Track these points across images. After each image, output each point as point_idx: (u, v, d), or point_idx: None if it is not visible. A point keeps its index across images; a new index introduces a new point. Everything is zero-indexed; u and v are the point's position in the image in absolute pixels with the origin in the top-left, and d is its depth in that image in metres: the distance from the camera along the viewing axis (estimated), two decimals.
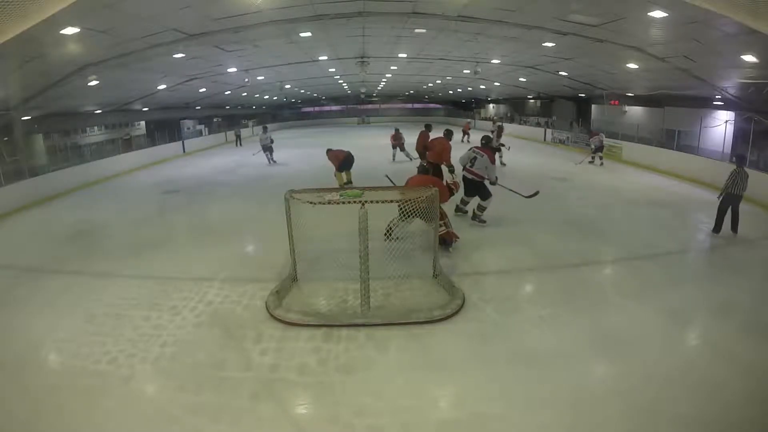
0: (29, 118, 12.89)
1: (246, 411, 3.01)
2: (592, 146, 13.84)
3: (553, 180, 11.38)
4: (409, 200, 4.53)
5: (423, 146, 11.56)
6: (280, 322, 4.13)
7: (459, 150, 8.71)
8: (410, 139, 13.74)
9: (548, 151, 17.89)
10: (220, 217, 8.39)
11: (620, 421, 2.85)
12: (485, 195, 7.04)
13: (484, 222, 7.13)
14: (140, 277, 5.37)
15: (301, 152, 17.94)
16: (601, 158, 13.61)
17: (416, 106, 40.80)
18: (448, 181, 6.43)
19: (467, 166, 7.10)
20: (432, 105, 39.85)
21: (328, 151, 10.15)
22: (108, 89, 12.73)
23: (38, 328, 4.16)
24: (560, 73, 15.04)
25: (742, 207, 6.55)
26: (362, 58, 15.07)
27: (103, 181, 13.02)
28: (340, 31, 10.81)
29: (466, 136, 20.76)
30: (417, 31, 10.89)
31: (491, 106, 32.52)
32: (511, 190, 7.43)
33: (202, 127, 25.92)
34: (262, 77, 17.01)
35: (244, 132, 25.20)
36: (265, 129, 15.68)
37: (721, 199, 6.52)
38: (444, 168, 8.43)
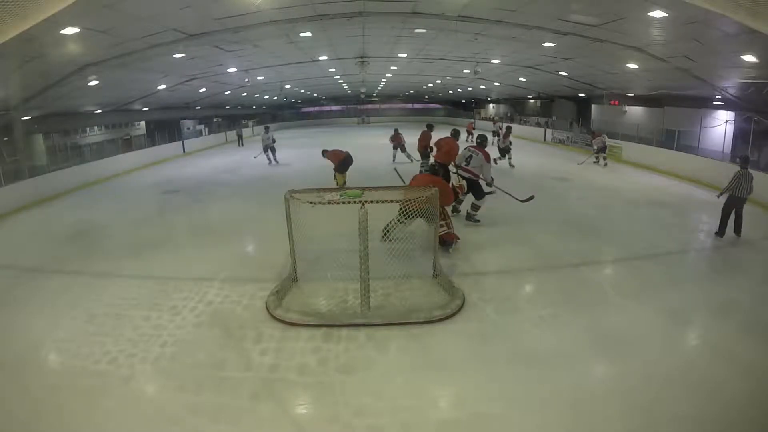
0: (29, 118, 12.90)
1: (246, 411, 3.01)
2: (595, 147, 13.76)
3: (553, 180, 11.38)
4: (409, 200, 4.53)
5: (425, 146, 11.59)
6: (280, 322, 4.13)
7: None
8: (410, 139, 13.76)
9: (548, 151, 17.89)
10: (220, 217, 8.39)
11: (620, 421, 2.85)
12: (479, 194, 7.05)
13: (479, 221, 7.14)
14: (140, 277, 5.37)
15: (302, 152, 17.93)
16: (604, 159, 13.57)
17: (416, 106, 40.80)
18: (455, 184, 6.42)
19: (462, 165, 7.10)
20: (432, 105, 39.86)
21: (324, 151, 10.00)
22: (108, 89, 12.73)
23: (38, 328, 4.16)
24: (560, 73, 15.04)
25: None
26: (362, 58, 15.07)
27: (103, 181, 13.02)
28: (340, 31, 10.82)
29: (470, 135, 20.78)
30: (417, 31, 10.89)
31: (491, 106, 32.53)
32: (506, 193, 7.42)
33: (202, 127, 25.92)
34: (262, 77, 17.02)
35: (244, 132, 25.22)
36: (267, 129, 15.60)
37: (724, 200, 6.39)
38: (452, 168, 8.40)
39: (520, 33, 9.91)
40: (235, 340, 3.88)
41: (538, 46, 11.16)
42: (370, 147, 17.84)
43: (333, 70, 18.79)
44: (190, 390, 3.23)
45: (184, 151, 19.77)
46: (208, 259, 5.87)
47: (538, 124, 23.01)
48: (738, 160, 6.82)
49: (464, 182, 7.06)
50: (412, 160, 13.25)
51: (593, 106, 19.99)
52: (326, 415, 2.97)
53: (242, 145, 22.77)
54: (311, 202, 4.40)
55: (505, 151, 13.23)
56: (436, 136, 9.38)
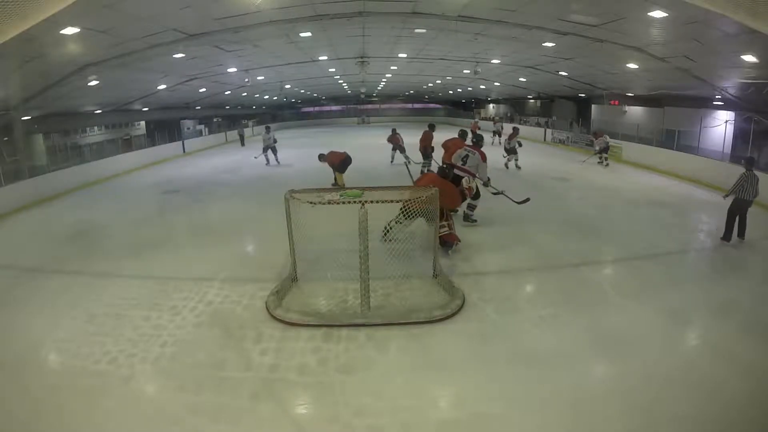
0: (29, 118, 12.89)
1: (246, 411, 3.01)
2: (597, 147, 13.73)
3: (553, 180, 11.38)
4: (409, 200, 4.53)
5: (425, 146, 11.58)
6: (280, 322, 4.13)
7: None
8: (409, 139, 13.73)
9: (548, 151, 17.89)
10: (221, 217, 8.39)
11: (620, 421, 2.85)
12: (475, 194, 7.05)
13: (476, 221, 7.14)
14: (140, 277, 5.37)
15: (302, 152, 17.92)
16: (606, 159, 13.55)
17: (416, 106, 40.78)
18: (464, 185, 6.38)
19: (459, 164, 7.10)
20: (432, 105, 39.85)
21: (321, 155, 9.82)
22: (108, 89, 12.73)
23: (38, 328, 4.16)
24: (560, 73, 15.03)
25: None
26: (362, 58, 15.07)
27: (103, 181, 13.01)
28: (340, 31, 10.81)
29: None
30: (417, 31, 10.89)
31: (491, 106, 32.51)
32: (504, 194, 7.41)
33: (202, 127, 25.91)
34: (262, 77, 17.01)
35: (244, 132, 25.20)
36: (268, 129, 15.52)
37: (729, 204, 6.20)
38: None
39: (520, 33, 9.91)
40: (235, 340, 3.88)
41: (538, 46, 11.15)
42: (370, 147, 17.84)
43: (333, 70, 18.79)
44: (190, 390, 3.23)
45: (184, 151, 19.77)
46: (208, 259, 5.88)
47: (538, 124, 23.00)
48: (743, 161, 6.54)
49: (473, 184, 6.88)
50: (410, 162, 12.55)
51: (593, 106, 19.98)
52: (326, 415, 2.98)
53: (244, 145, 22.76)
54: (311, 202, 4.41)
55: (511, 152, 13.18)
56: (436, 136, 9.36)
